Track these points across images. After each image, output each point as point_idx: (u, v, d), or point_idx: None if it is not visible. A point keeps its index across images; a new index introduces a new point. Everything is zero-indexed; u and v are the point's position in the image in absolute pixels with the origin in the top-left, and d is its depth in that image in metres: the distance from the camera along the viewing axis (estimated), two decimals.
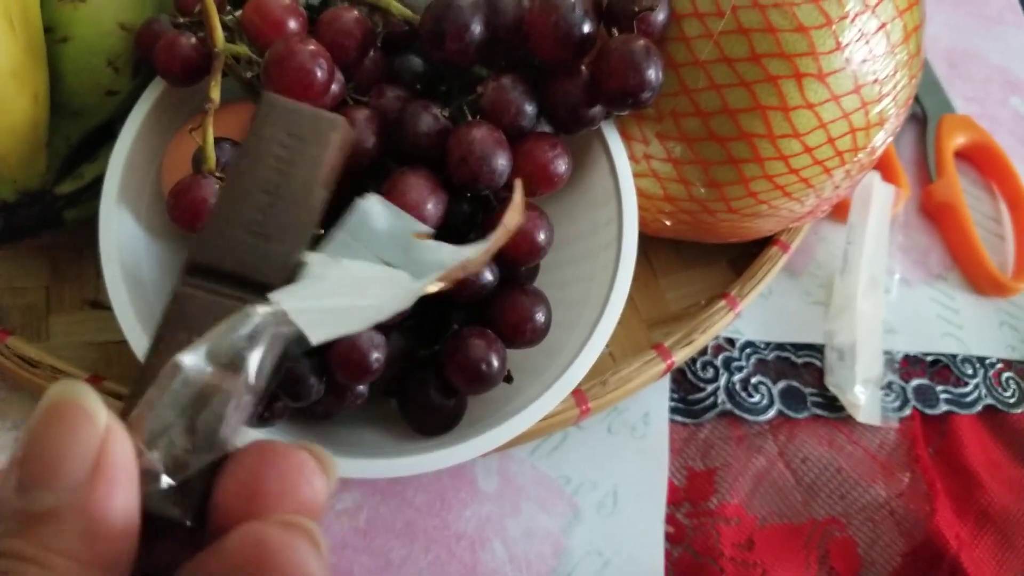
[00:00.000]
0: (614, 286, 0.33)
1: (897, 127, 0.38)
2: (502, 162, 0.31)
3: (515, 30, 0.32)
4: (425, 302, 0.32)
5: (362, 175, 0.33)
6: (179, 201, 0.29)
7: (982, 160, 0.52)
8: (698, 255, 0.45)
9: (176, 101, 0.35)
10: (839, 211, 0.48)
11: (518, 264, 0.33)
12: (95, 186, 0.37)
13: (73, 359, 0.36)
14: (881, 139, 0.37)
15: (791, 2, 0.33)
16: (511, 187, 0.33)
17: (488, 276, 0.33)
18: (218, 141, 0.30)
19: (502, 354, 0.31)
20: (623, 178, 0.35)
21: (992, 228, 0.50)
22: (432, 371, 0.33)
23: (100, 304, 0.39)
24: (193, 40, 0.32)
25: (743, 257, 0.44)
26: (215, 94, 0.30)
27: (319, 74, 0.30)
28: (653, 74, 0.31)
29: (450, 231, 0.33)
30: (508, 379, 0.33)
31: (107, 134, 0.37)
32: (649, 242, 0.43)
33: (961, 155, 0.53)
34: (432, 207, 0.31)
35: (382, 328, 0.30)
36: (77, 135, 0.36)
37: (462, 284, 0.32)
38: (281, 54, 0.30)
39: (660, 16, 0.33)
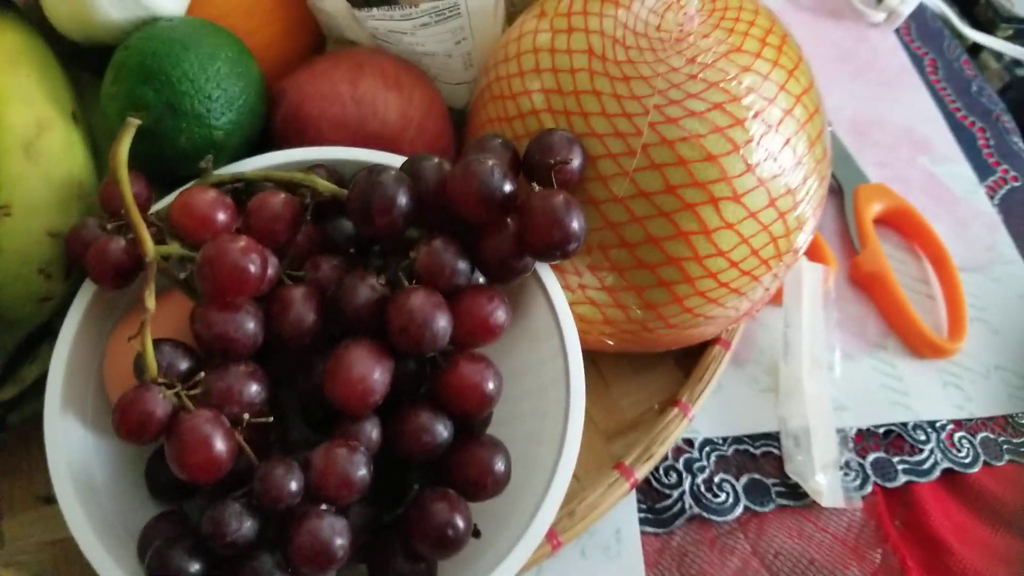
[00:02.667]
0: (568, 424, 0.34)
1: (816, 224, 0.40)
2: (443, 325, 0.32)
3: (438, 195, 0.34)
4: (382, 465, 0.33)
5: (306, 351, 0.33)
6: (126, 416, 0.29)
7: (901, 224, 0.55)
8: (645, 358, 0.46)
9: (111, 296, 0.35)
10: (774, 296, 0.49)
11: (471, 416, 0.34)
12: (36, 386, 0.37)
13: (30, 563, 0.35)
14: (803, 239, 0.39)
15: (697, 134, 0.35)
16: (454, 342, 0.34)
17: (443, 433, 0.33)
18: (157, 344, 0.31)
19: (466, 514, 0.32)
20: (561, 312, 0.36)
21: (922, 290, 0.52)
22: (398, 538, 0.33)
23: (54, 499, 0.39)
24: (123, 243, 0.32)
25: (689, 354, 0.45)
26: (150, 303, 0.30)
27: (253, 269, 0.30)
28: (576, 226, 0.32)
29: (399, 391, 0.33)
30: (476, 534, 0.33)
31: (44, 332, 0.37)
32: (596, 352, 0.44)
33: (881, 221, 0.55)
34: (379, 376, 0.32)
35: (342, 510, 0.30)
36: (13, 343, 0.35)
37: (416, 443, 0.33)
38: (212, 255, 0.30)
39: (575, 163, 0.34)
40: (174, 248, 0.32)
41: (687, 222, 0.35)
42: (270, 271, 0.32)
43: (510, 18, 0.45)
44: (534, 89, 0.37)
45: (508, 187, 0.32)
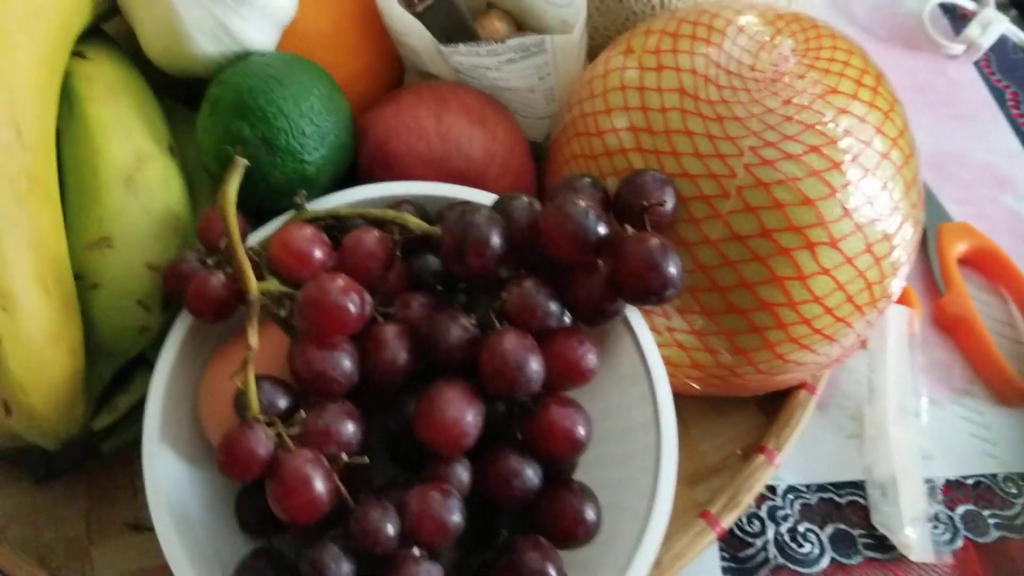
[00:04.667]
0: (660, 472, 0.33)
1: (909, 269, 0.39)
2: (535, 368, 0.32)
3: (529, 235, 0.33)
4: (471, 508, 0.33)
5: (398, 390, 0.33)
6: (231, 455, 0.29)
7: (986, 265, 0.53)
8: (725, 400, 0.45)
9: (206, 327, 0.36)
10: None
11: (560, 462, 0.33)
12: (131, 415, 0.37)
13: None
14: (897, 285, 0.38)
15: (794, 177, 0.34)
16: (544, 386, 0.33)
17: (533, 479, 0.33)
18: (258, 381, 0.31)
19: (558, 563, 0.31)
20: (650, 356, 0.36)
21: (1008, 334, 0.51)
22: None
23: (141, 526, 0.39)
24: (222, 278, 0.33)
25: (772, 397, 0.44)
26: (254, 341, 0.30)
27: (353, 309, 0.30)
28: (674, 271, 0.31)
29: (488, 434, 0.33)
30: None
31: (137, 362, 0.37)
32: (679, 402, 0.43)
33: (965, 262, 0.54)
34: (472, 419, 0.31)
35: (435, 555, 0.30)
36: (111, 373, 0.36)
37: (506, 488, 0.33)
38: (314, 296, 0.30)
39: (668, 206, 0.34)
40: (273, 284, 0.32)
41: (782, 267, 0.35)
42: (366, 310, 0.32)
43: (589, 53, 0.45)
44: (621, 127, 0.37)
45: (602, 230, 0.32)
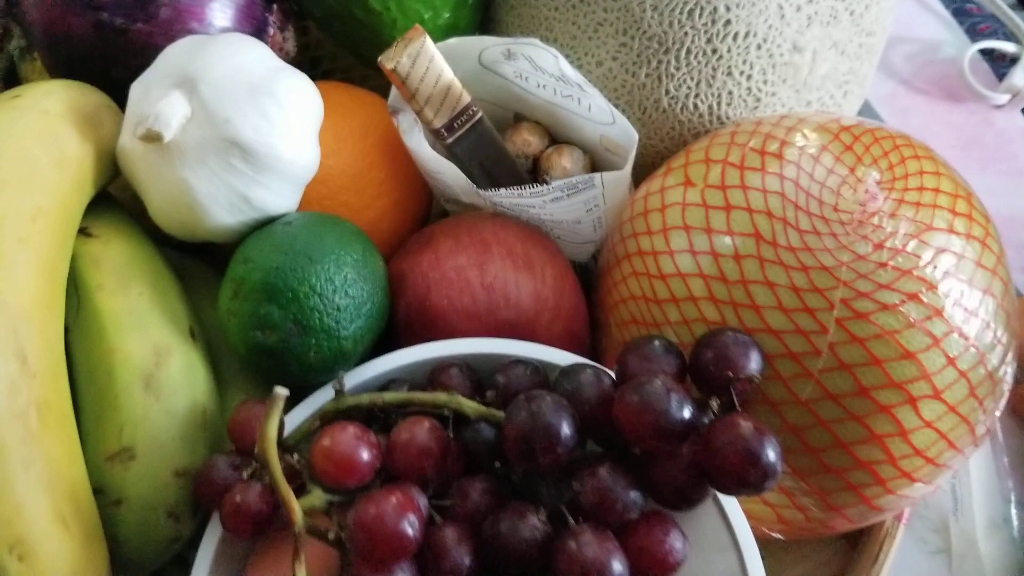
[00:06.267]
0: None
1: (1009, 396, 0.35)
2: (619, 571, 0.28)
3: (601, 414, 0.30)
4: None
5: None
6: None
7: None
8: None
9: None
10: None
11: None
12: None
13: None
14: (997, 415, 0.34)
15: (892, 330, 0.30)
16: None
17: None
18: None
19: None
20: (737, 522, 0.32)
21: None
22: None
23: None
24: (259, 489, 0.29)
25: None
26: None
27: (411, 533, 0.27)
28: (773, 459, 0.28)
29: None
30: None
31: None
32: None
33: None
34: None
35: None
36: None
37: None
38: (367, 522, 0.27)
39: (756, 376, 0.30)
40: (318, 498, 0.29)
41: (882, 425, 0.31)
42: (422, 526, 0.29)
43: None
44: (689, 272, 0.33)
45: (687, 415, 0.28)
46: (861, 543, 0.40)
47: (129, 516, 0.31)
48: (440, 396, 0.31)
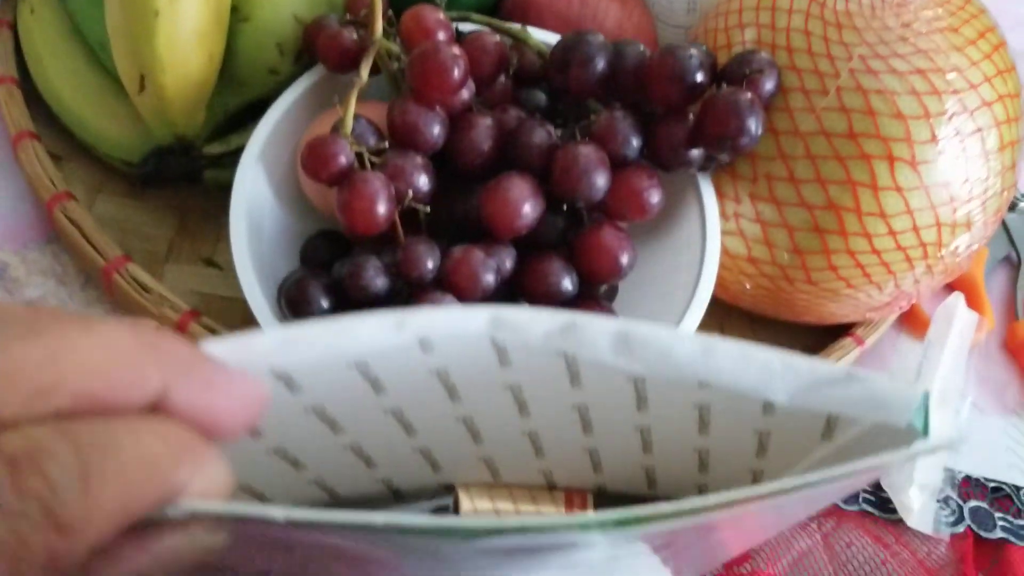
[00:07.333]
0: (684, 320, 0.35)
1: (983, 238, 0.39)
2: (601, 180, 0.34)
3: (634, 74, 0.36)
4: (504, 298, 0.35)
5: (474, 176, 0.36)
6: (312, 152, 0.32)
7: None
8: (772, 341, 0.46)
9: (326, 91, 0.40)
10: (918, 327, 0.48)
11: (597, 279, 0.35)
12: (237, 154, 0.41)
13: (179, 298, 0.39)
14: (965, 243, 0.38)
15: (893, 91, 0.35)
16: (605, 210, 0.36)
17: (568, 286, 0.35)
18: (357, 116, 0.34)
19: None
20: (710, 225, 0.37)
21: None
22: None
23: (214, 263, 0.43)
24: (354, 35, 0.37)
25: (818, 345, 0.44)
26: (364, 73, 0.34)
27: (456, 73, 0.34)
28: (753, 124, 0.33)
29: (538, 242, 0.35)
30: None
31: (259, 111, 0.41)
32: (727, 324, 0.45)
33: None
34: (529, 208, 0.34)
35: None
36: (235, 104, 0.40)
37: (540, 286, 0.35)
38: (427, 51, 0.34)
39: (768, 85, 0.36)
40: (394, 46, 0.36)
41: (859, 172, 0.36)
42: (465, 93, 0.36)
43: None
44: (748, 23, 0.39)
45: (701, 76, 0.34)
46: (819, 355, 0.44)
47: (248, 33, 0.39)
48: (515, 27, 0.38)
